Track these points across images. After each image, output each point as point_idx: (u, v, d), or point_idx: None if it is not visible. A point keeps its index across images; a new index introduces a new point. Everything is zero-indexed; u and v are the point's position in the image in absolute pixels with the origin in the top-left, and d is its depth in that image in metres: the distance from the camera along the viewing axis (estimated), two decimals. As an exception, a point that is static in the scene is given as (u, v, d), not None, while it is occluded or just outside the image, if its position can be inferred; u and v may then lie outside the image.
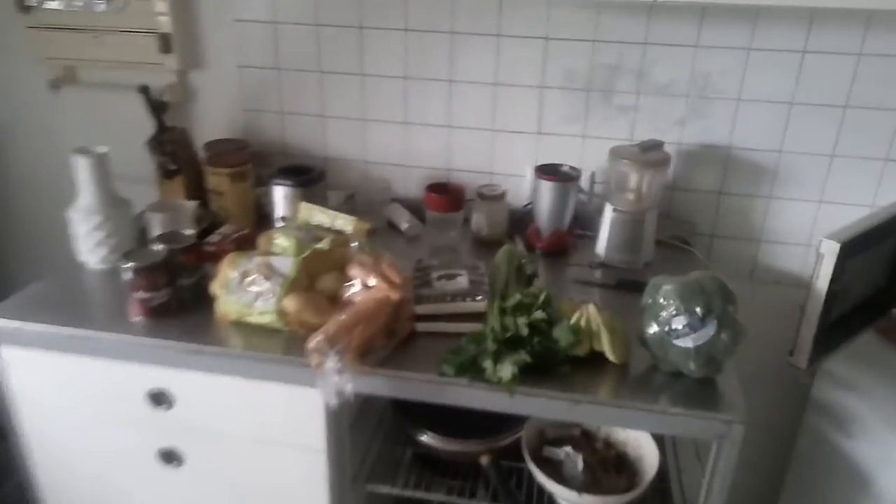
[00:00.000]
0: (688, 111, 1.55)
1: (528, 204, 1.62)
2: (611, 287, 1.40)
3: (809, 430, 1.63)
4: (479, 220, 1.56)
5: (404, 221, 1.61)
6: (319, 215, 1.36)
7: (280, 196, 1.46)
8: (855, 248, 1.12)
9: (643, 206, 1.46)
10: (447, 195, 1.49)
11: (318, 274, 1.23)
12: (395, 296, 1.14)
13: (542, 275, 1.44)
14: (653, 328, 1.08)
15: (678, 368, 1.08)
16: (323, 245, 1.25)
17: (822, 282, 1.12)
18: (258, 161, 1.67)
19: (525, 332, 1.08)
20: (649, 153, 1.44)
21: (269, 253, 1.26)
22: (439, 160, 1.71)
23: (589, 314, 1.10)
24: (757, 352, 1.69)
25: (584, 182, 1.55)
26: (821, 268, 1.12)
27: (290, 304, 1.16)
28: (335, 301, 1.19)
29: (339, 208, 1.65)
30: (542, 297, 1.14)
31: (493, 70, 1.60)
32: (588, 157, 1.62)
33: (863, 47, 1.43)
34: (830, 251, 1.10)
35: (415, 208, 1.63)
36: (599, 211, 1.55)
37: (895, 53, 1.42)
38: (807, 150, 1.54)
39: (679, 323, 1.04)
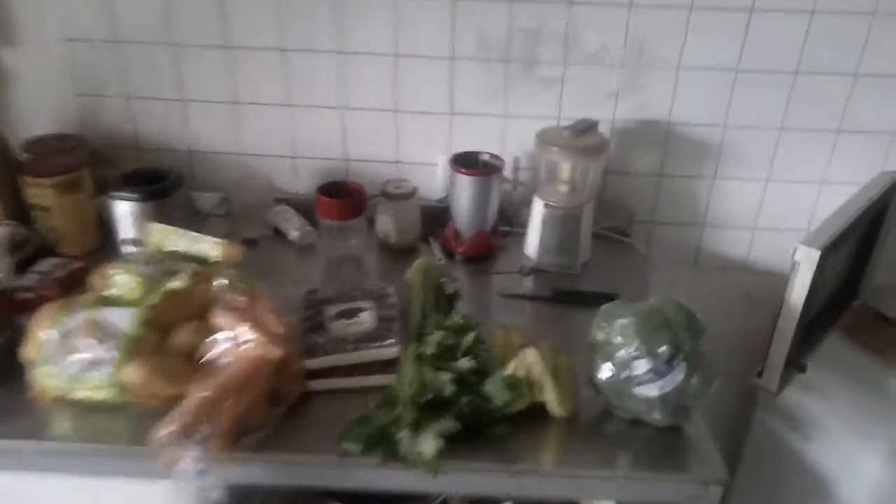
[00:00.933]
0: (622, 83, 1.32)
1: (444, 198, 1.37)
2: (546, 300, 1.17)
3: (761, 429, 1.49)
4: (385, 223, 1.29)
5: (293, 228, 1.31)
6: (176, 239, 1.05)
7: (123, 213, 1.14)
8: (832, 251, 0.94)
9: (579, 199, 1.23)
10: (344, 199, 1.21)
11: (172, 323, 0.93)
12: (276, 353, 0.87)
13: (465, 290, 1.20)
14: (607, 372, 0.86)
15: (638, 416, 0.88)
16: (178, 283, 0.95)
17: (798, 294, 0.93)
18: (101, 161, 1.32)
19: (450, 391, 0.84)
20: (583, 137, 1.21)
21: (103, 300, 0.94)
22: (334, 149, 1.41)
23: (528, 362, 0.86)
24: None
25: (507, 170, 1.31)
26: (796, 278, 0.93)
27: (133, 373, 0.86)
28: (196, 360, 0.90)
29: (210, 214, 1.36)
30: (469, 338, 0.90)
31: (391, 39, 1.30)
32: (510, 139, 1.38)
33: (815, 4, 1.24)
34: (808, 259, 0.91)
35: (306, 209, 1.34)
36: (526, 202, 1.32)
37: (850, 10, 1.24)
38: (754, 124, 1.35)
39: (641, 368, 0.83)
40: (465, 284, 1.23)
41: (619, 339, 0.85)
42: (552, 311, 1.16)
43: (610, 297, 1.13)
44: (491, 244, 1.30)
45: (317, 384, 0.92)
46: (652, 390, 0.83)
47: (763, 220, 1.44)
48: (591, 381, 0.89)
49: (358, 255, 1.27)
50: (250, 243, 1.31)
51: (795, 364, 1.01)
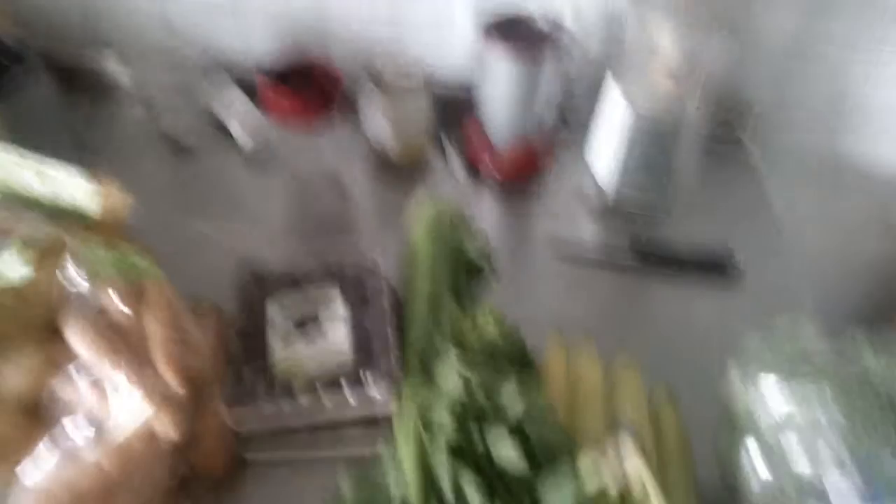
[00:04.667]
0: None
1: (468, 84, 0.90)
2: (625, 265, 0.76)
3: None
4: (380, 126, 0.84)
5: (242, 128, 0.87)
6: (20, 172, 0.62)
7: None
8: None
9: (687, 100, 0.77)
10: (304, 92, 0.74)
11: (-2, 350, 0.54)
12: (172, 434, 0.48)
13: (500, 243, 0.78)
14: (757, 473, 0.48)
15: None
16: (12, 271, 0.54)
17: None
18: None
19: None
20: (711, -6, 0.72)
21: None
22: (300, -4, 0.92)
23: (627, 471, 0.47)
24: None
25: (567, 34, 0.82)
26: None
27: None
28: (39, 415, 0.52)
29: (121, 101, 0.91)
30: (511, 388, 0.50)
31: None
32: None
33: None
34: None
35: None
36: (596, 86, 0.86)
37: None
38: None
39: (838, 483, 0.45)
40: (497, 228, 0.81)
41: (791, 419, 0.45)
42: (632, 284, 0.75)
43: (723, 265, 0.73)
44: (539, 162, 0.85)
45: (255, 456, 0.55)
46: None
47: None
48: (727, 479, 0.51)
49: (336, 175, 0.84)
50: (182, 152, 0.88)
51: None
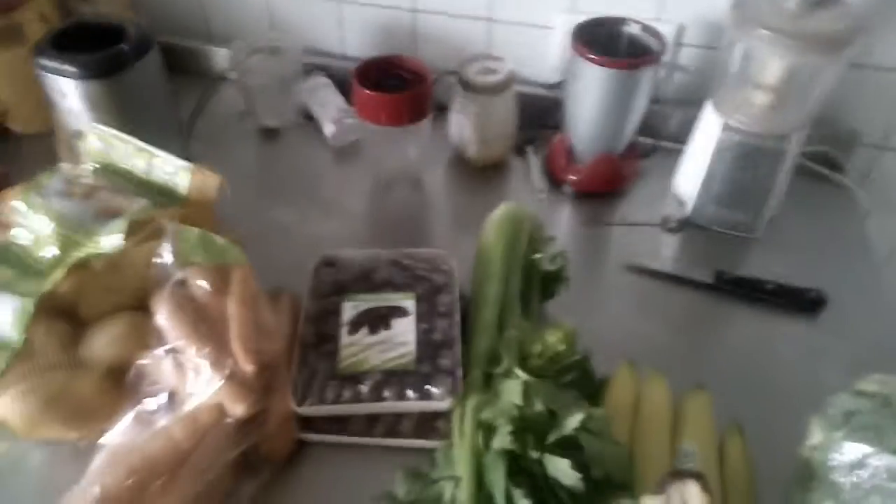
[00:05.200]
0: None
1: (557, 85, 0.89)
2: (703, 286, 0.73)
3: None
4: (462, 126, 0.84)
5: (329, 117, 0.89)
6: (123, 150, 0.66)
7: (58, 92, 0.74)
8: None
9: (787, 121, 0.73)
10: (396, 93, 0.75)
11: (90, 317, 0.57)
12: (239, 410, 0.51)
13: (572, 254, 0.77)
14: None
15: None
16: (105, 245, 0.57)
17: None
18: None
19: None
20: (819, 13, 0.68)
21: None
22: (397, -8, 0.93)
23: None
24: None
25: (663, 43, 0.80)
26: None
27: (11, 409, 0.53)
28: (124, 381, 0.55)
29: (218, 85, 0.95)
30: (575, 417, 0.49)
31: None
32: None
33: None
34: None
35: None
36: (683, 101, 0.84)
37: None
38: None
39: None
40: (573, 240, 0.80)
41: (886, 495, 0.43)
42: (710, 306, 0.72)
43: (811, 299, 0.69)
44: (621, 176, 0.83)
45: (318, 437, 0.56)
46: None
47: None
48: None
49: (417, 174, 0.85)
50: (269, 134, 0.92)
51: None
